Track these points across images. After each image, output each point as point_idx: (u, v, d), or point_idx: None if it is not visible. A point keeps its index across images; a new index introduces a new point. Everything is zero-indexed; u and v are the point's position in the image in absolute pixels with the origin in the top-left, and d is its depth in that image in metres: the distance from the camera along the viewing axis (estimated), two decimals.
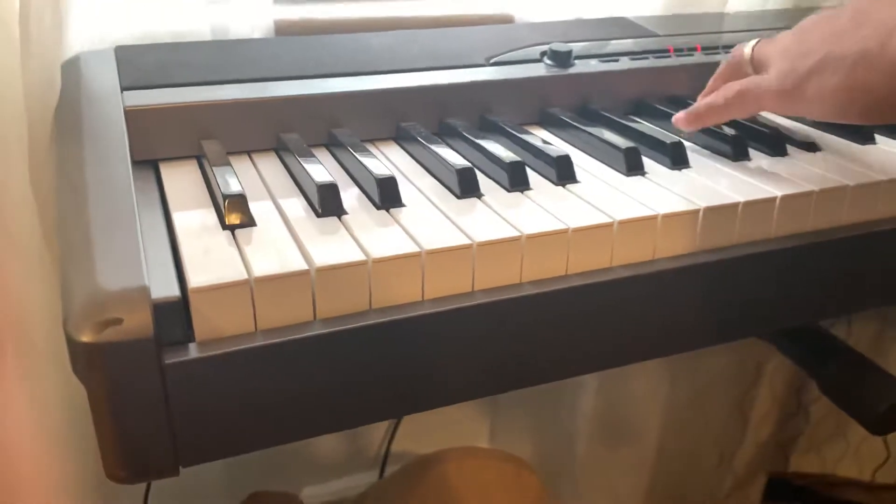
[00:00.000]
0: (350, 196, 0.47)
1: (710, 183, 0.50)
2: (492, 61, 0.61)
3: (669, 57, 0.65)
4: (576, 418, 1.00)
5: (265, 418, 0.39)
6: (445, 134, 0.57)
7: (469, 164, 0.48)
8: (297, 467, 0.91)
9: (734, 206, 0.47)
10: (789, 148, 0.56)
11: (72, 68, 0.55)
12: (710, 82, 0.56)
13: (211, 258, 0.39)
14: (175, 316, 0.36)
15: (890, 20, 0.42)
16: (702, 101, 0.53)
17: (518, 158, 0.49)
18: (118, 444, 0.36)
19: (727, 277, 0.47)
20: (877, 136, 0.60)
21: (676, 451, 1.07)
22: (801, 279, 0.50)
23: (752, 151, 0.55)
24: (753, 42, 0.52)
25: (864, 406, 0.53)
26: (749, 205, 0.47)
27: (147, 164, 0.50)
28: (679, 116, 0.55)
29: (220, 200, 0.43)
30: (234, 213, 0.42)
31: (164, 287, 0.36)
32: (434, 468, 0.78)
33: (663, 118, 0.60)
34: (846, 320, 1.11)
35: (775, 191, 0.48)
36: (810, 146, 0.57)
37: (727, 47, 0.68)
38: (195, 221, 0.43)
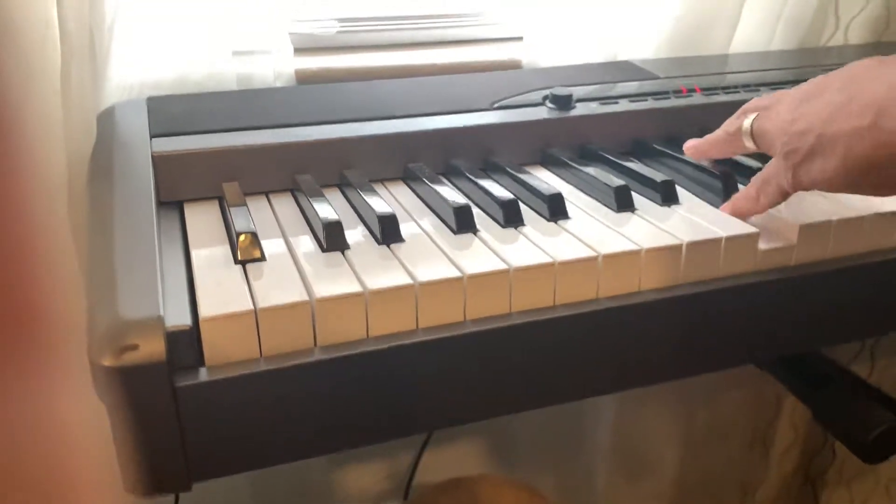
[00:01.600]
0: (355, 233, 0.50)
1: (696, 219, 0.52)
2: (496, 105, 0.65)
3: (668, 98, 0.68)
4: (595, 453, 1.01)
5: (269, 438, 0.42)
6: (451, 174, 0.60)
7: (465, 202, 0.51)
8: (323, 490, 0.94)
9: (717, 241, 0.49)
10: None
11: (107, 117, 0.60)
12: (706, 146, 0.58)
13: (222, 290, 0.42)
14: (187, 343, 0.40)
15: (879, 97, 0.42)
16: (737, 198, 0.53)
17: (512, 196, 0.52)
18: (135, 459, 0.40)
19: (711, 309, 0.50)
20: None
21: (697, 485, 1.07)
22: (785, 310, 0.52)
23: (742, 188, 0.58)
24: (752, 116, 0.52)
25: (854, 433, 0.54)
26: (731, 239, 0.49)
27: (173, 204, 0.55)
28: (726, 207, 0.54)
29: (234, 237, 0.47)
30: (245, 249, 0.46)
31: (178, 316, 0.40)
32: (451, 494, 0.80)
33: (660, 157, 0.63)
34: (869, 356, 1.11)
35: (757, 226, 0.51)
36: None
37: (727, 88, 0.71)
38: (211, 257, 0.47)
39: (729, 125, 0.55)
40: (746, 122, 0.52)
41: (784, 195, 0.50)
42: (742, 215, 0.52)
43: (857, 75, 0.45)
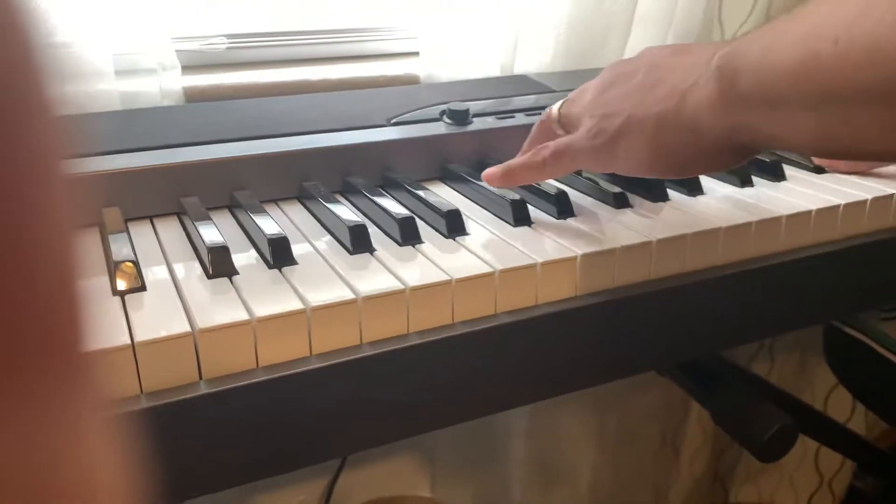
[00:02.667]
0: (245, 257, 0.48)
1: (592, 231, 0.52)
2: (393, 121, 0.64)
3: None
4: (510, 463, 1.01)
5: (155, 478, 0.40)
6: (347, 192, 0.59)
7: (360, 221, 0.50)
8: None
9: (611, 251, 0.50)
10: (671, 192, 0.60)
11: None
12: (526, 144, 0.57)
13: (97, 325, 0.39)
14: None
15: (682, 82, 0.44)
16: (517, 161, 0.53)
17: (408, 213, 0.51)
18: None
19: (608, 319, 0.50)
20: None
21: (612, 490, 1.08)
22: (677, 318, 0.53)
23: (633, 198, 0.58)
24: (560, 103, 0.54)
25: (750, 435, 0.55)
26: (626, 249, 0.50)
27: None
28: (492, 172, 0.53)
29: (111, 267, 0.44)
30: (123, 279, 0.43)
31: None
32: None
33: None
34: (769, 354, 1.15)
35: (650, 235, 0.51)
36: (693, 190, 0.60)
37: None
38: (88, 289, 0.44)
39: (540, 118, 0.56)
40: (554, 108, 0.54)
41: (567, 171, 0.52)
42: (515, 182, 0.53)
43: (659, 63, 0.47)
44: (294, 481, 0.92)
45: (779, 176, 0.64)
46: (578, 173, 0.61)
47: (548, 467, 1.03)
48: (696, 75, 0.43)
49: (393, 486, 0.98)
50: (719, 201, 0.59)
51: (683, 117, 0.43)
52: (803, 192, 0.61)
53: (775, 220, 0.56)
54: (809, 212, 0.57)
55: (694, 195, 0.60)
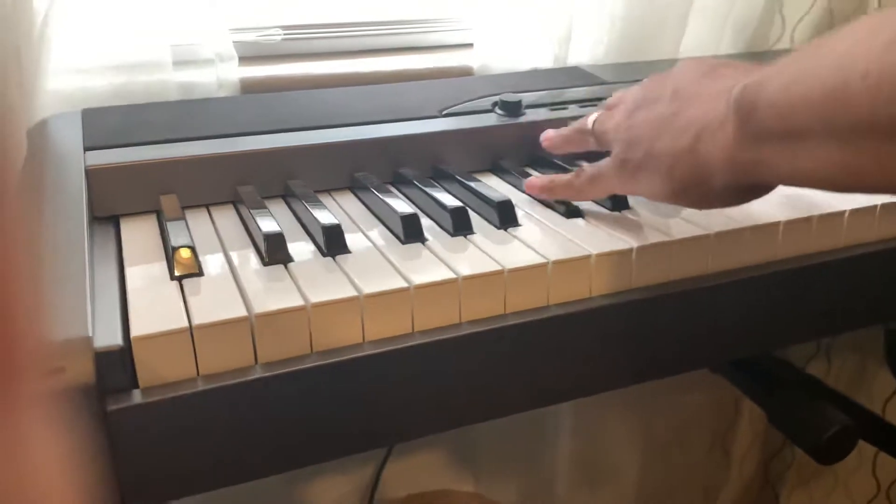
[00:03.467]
0: (300, 245, 0.49)
1: (645, 222, 0.52)
2: (444, 113, 0.64)
3: None
4: (555, 461, 1.00)
5: (211, 460, 0.40)
6: (398, 183, 0.59)
7: (413, 211, 0.50)
8: None
9: (668, 244, 0.49)
10: None
11: (39, 131, 0.58)
12: (559, 142, 0.58)
13: (155, 308, 0.40)
14: (118, 364, 0.38)
15: (701, 116, 0.43)
16: (557, 179, 0.54)
17: (460, 204, 0.51)
18: None
19: (662, 313, 0.49)
20: None
21: (659, 490, 1.07)
22: (734, 314, 0.52)
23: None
24: (595, 115, 0.54)
25: (808, 435, 0.53)
26: (682, 242, 0.49)
27: (109, 219, 0.53)
28: (533, 183, 0.55)
29: (170, 252, 0.45)
30: (181, 264, 0.44)
31: (107, 337, 0.38)
32: None
33: None
34: (825, 356, 1.12)
35: (709, 228, 0.50)
36: None
37: None
38: (147, 273, 0.45)
39: (579, 122, 0.56)
40: (589, 121, 0.54)
41: (603, 196, 0.54)
42: (552, 198, 0.54)
43: (684, 88, 0.46)
44: (339, 471, 0.92)
45: None
46: None
47: (593, 465, 1.02)
48: (715, 109, 0.42)
49: (436, 480, 0.98)
50: (777, 196, 0.57)
51: (696, 159, 0.43)
52: None
53: (838, 216, 0.54)
54: (875, 207, 0.55)
55: None
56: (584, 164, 0.53)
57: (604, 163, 0.51)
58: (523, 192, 0.58)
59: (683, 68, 0.48)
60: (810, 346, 1.10)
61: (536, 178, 0.55)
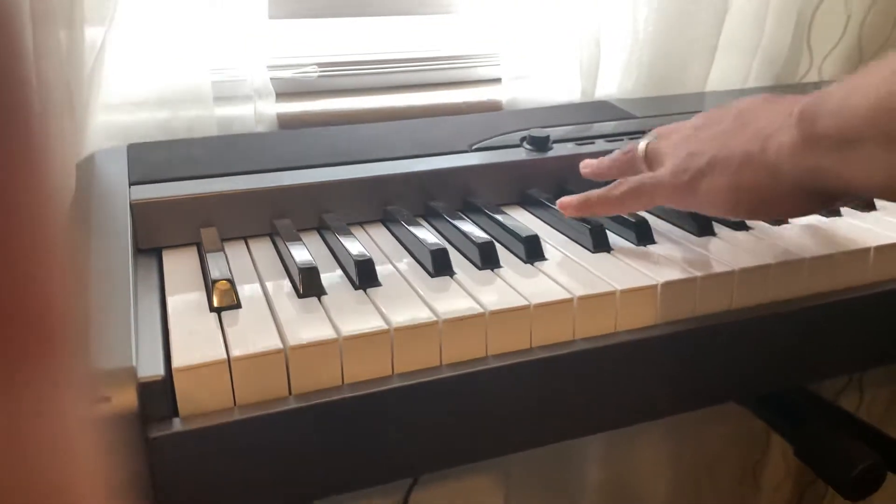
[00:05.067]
0: (332, 277, 0.51)
1: (671, 258, 0.53)
2: (474, 147, 0.66)
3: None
4: (584, 489, 1.00)
5: (245, 488, 0.42)
6: (429, 216, 0.61)
7: (442, 245, 0.52)
8: None
9: (692, 280, 0.50)
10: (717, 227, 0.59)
11: (87, 166, 0.61)
12: (604, 168, 0.58)
13: (195, 339, 0.42)
14: (160, 393, 0.40)
15: (767, 127, 0.46)
16: (594, 192, 0.54)
17: (488, 238, 0.53)
18: None
19: (687, 347, 0.50)
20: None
21: None
22: (766, 348, 0.52)
23: (715, 226, 0.58)
24: (647, 140, 0.55)
25: (835, 471, 0.53)
26: (707, 279, 0.50)
27: (152, 251, 0.55)
28: (568, 202, 0.55)
29: (209, 284, 0.47)
30: (220, 296, 0.46)
31: (150, 367, 0.40)
32: None
33: None
34: (857, 388, 1.11)
35: (735, 264, 0.51)
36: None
37: None
38: (187, 304, 0.47)
39: (626, 147, 0.57)
40: (641, 144, 0.55)
41: (646, 207, 0.54)
42: (590, 213, 0.55)
43: (750, 108, 0.49)
44: (366, 498, 0.93)
45: (869, 206, 0.63)
46: None
47: (623, 495, 1.02)
48: (780, 121, 0.45)
49: None
50: (803, 230, 0.58)
51: (765, 160, 0.45)
52: (893, 223, 0.59)
53: (863, 252, 0.54)
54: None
55: (778, 223, 0.59)
56: (626, 178, 0.53)
57: (653, 174, 0.51)
58: (551, 226, 0.60)
59: (742, 99, 0.51)
60: (841, 379, 1.09)
61: (570, 197, 0.55)
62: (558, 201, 0.56)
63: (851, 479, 0.52)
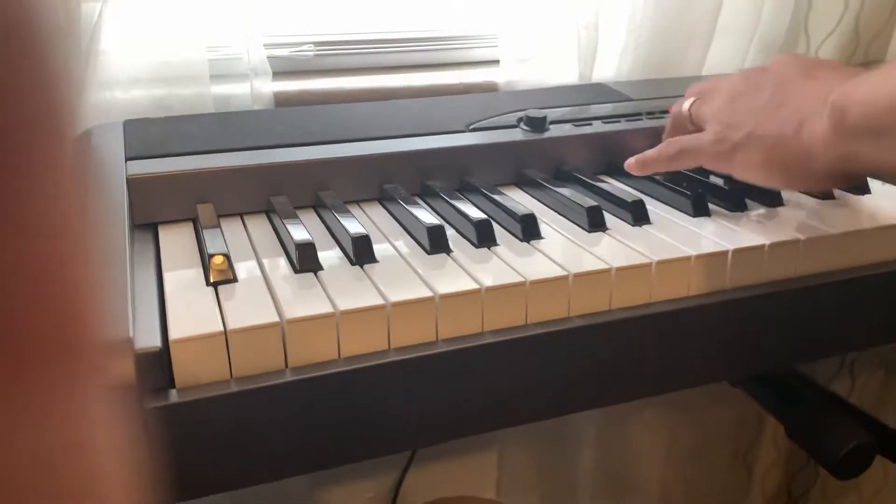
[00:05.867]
0: (329, 254, 0.51)
1: (667, 238, 0.53)
2: (471, 127, 0.66)
3: (641, 120, 0.69)
4: (578, 472, 1.01)
5: (241, 460, 0.42)
6: (426, 195, 0.61)
7: (438, 223, 0.52)
8: None
9: (686, 259, 0.50)
10: (750, 203, 0.59)
11: (83, 140, 0.60)
12: (664, 136, 0.63)
13: (192, 312, 0.42)
14: (157, 365, 0.40)
15: (803, 110, 0.49)
16: (650, 152, 0.59)
17: (485, 216, 0.53)
18: None
19: (683, 326, 0.50)
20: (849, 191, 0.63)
21: (681, 502, 1.07)
22: (757, 328, 0.52)
23: (712, 207, 0.58)
24: (690, 101, 0.59)
25: (826, 450, 0.54)
26: (701, 258, 0.50)
27: (148, 226, 0.55)
28: (630, 162, 0.60)
29: (206, 259, 0.47)
30: (217, 271, 0.46)
31: (147, 339, 0.40)
32: None
33: (633, 178, 0.64)
34: (849, 374, 1.12)
35: (728, 244, 0.51)
36: (772, 201, 0.60)
37: None
38: (183, 279, 0.47)
39: (673, 111, 0.62)
40: (685, 105, 0.59)
41: (692, 167, 0.58)
42: (648, 171, 0.59)
43: (787, 83, 0.52)
44: (362, 477, 0.94)
45: (863, 189, 0.63)
46: (655, 181, 0.62)
47: (616, 477, 1.03)
48: (814, 107, 0.48)
49: (458, 486, 0.99)
50: (800, 214, 0.58)
51: (798, 143, 0.49)
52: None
53: (855, 234, 0.55)
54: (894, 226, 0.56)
55: (773, 206, 0.60)
56: (675, 138, 0.57)
57: (697, 137, 0.55)
58: (547, 205, 0.60)
59: (783, 64, 0.54)
60: (834, 363, 1.09)
61: (631, 159, 0.60)
62: (625, 164, 0.60)
63: (840, 457, 0.53)
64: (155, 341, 0.40)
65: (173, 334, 0.40)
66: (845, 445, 0.52)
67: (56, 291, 0.14)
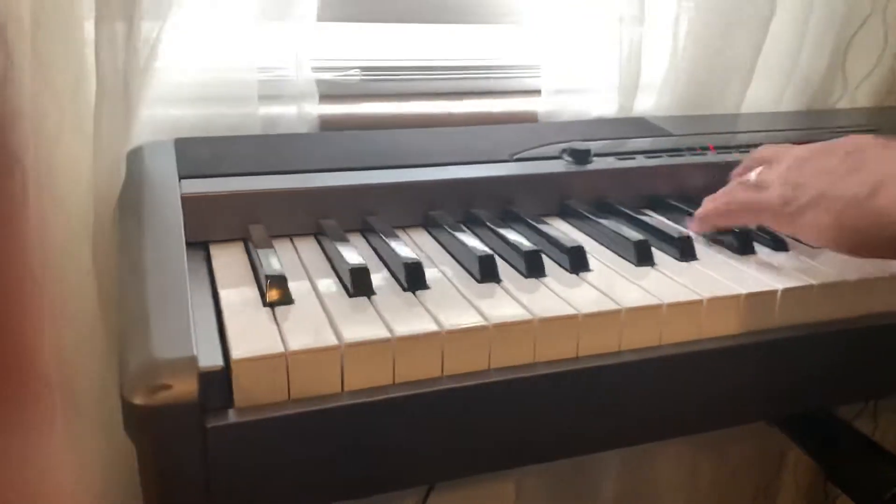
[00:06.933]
0: (380, 278, 0.51)
1: (714, 275, 0.53)
2: (515, 157, 0.66)
3: (683, 155, 0.69)
4: (598, 503, 1.00)
5: (294, 481, 0.42)
6: (471, 223, 0.61)
7: (490, 252, 0.52)
8: None
9: (736, 297, 0.50)
10: (790, 243, 0.60)
11: (136, 157, 0.61)
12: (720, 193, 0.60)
13: (252, 332, 0.43)
14: (218, 384, 0.40)
15: (880, 173, 0.47)
16: (709, 206, 0.58)
17: (534, 247, 0.53)
18: (160, 498, 0.40)
19: (730, 364, 0.50)
20: None
21: None
22: (801, 367, 0.53)
23: (757, 246, 0.59)
24: (758, 171, 0.57)
25: (868, 492, 0.54)
26: (751, 296, 0.50)
27: (199, 245, 0.56)
28: (691, 225, 0.60)
29: (263, 280, 0.47)
30: (274, 292, 0.47)
31: (209, 357, 0.40)
32: None
33: (675, 213, 0.64)
34: (872, 414, 1.11)
35: (776, 284, 0.52)
36: None
37: (740, 147, 0.72)
38: (240, 298, 0.47)
39: (737, 177, 0.60)
40: (752, 175, 0.57)
41: (752, 224, 0.57)
42: (707, 226, 0.59)
43: (861, 149, 0.50)
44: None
45: None
46: None
47: None
48: (893, 170, 0.47)
49: None
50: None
51: (873, 206, 0.47)
52: None
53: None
54: None
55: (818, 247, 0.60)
56: (739, 192, 0.57)
57: (763, 196, 0.54)
58: (592, 238, 0.60)
59: (856, 137, 0.52)
60: (856, 405, 1.09)
61: (692, 221, 0.59)
62: (687, 224, 0.60)
63: (885, 502, 0.52)
64: (217, 360, 0.40)
65: (235, 354, 0.40)
66: (889, 489, 0.52)
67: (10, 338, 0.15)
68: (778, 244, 0.59)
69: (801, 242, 0.60)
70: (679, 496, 1.02)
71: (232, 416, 0.40)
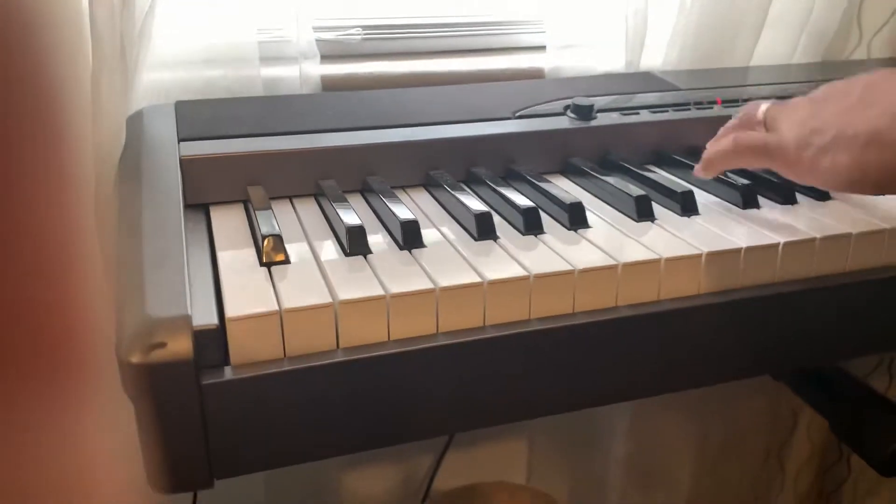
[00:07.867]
0: (377, 238, 0.51)
1: (716, 229, 0.52)
2: (518, 115, 0.65)
3: (689, 110, 0.68)
4: (608, 462, 1.01)
5: (291, 437, 0.43)
6: (471, 182, 0.61)
7: (486, 210, 0.52)
8: (339, 494, 0.94)
9: (737, 251, 0.50)
10: (800, 196, 0.59)
11: (136, 121, 0.61)
12: (721, 132, 0.58)
13: (248, 291, 0.43)
14: (213, 342, 0.40)
15: (895, 105, 0.45)
16: (712, 148, 0.55)
17: (532, 204, 0.53)
18: (159, 456, 0.41)
19: (729, 318, 0.50)
20: None
21: (711, 498, 1.07)
22: (803, 322, 0.52)
23: (762, 200, 0.58)
24: (767, 105, 0.54)
25: (872, 447, 0.53)
26: (751, 250, 0.50)
27: (199, 207, 0.56)
28: (697, 170, 0.57)
29: (259, 240, 0.48)
30: (270, 252, 0.47)
31: (204, 316, 0.41)
32: (467, 500, 0.80)
33: (680, 168, 0.63)
34: (887, 370, 1.10)
35: (778, 237, 0.51)
36: (822, 194, 0.59)
37: (747, 100, 0.71)
38: (237, 259, 0.48)
39: (743, 112, 0.57)
40: (760, 110, 0.54)
41: (760, 167, 0.54)
42: (712, 172, 0.56)
43: (877, 84, 0.47)
44: (391, 460, 0.95)
45: None
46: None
47: (646, 470, 1.02)
48: None
49: (489, 471, 1.00)
50: (850, 208, 0.57)
51: (894, 137, 0.44)
52: None
53: None
54: None
55: (823, 200, 0.59)
56: (745, 132, 0.54)
57: (777, 137, 0.51)
58: (593, 194, 0.60)
59: (866, 75, 0.49)
60: (873, 359, 1.08)
61: (697, 165, 0.57)
62: (693, 172, 0.57)
63: (888, 456, 0.52)
64: (212, 319, 0.41)
65: (230, 312, 0.41)
66: (892, 444, 0.52)
67: (50, 298, 0.15)
68: (785, 198, 0.58)
69: (808, 194, 0.59)
70: (689, 455, 1.02)
71: (228, 374, 0.41)
